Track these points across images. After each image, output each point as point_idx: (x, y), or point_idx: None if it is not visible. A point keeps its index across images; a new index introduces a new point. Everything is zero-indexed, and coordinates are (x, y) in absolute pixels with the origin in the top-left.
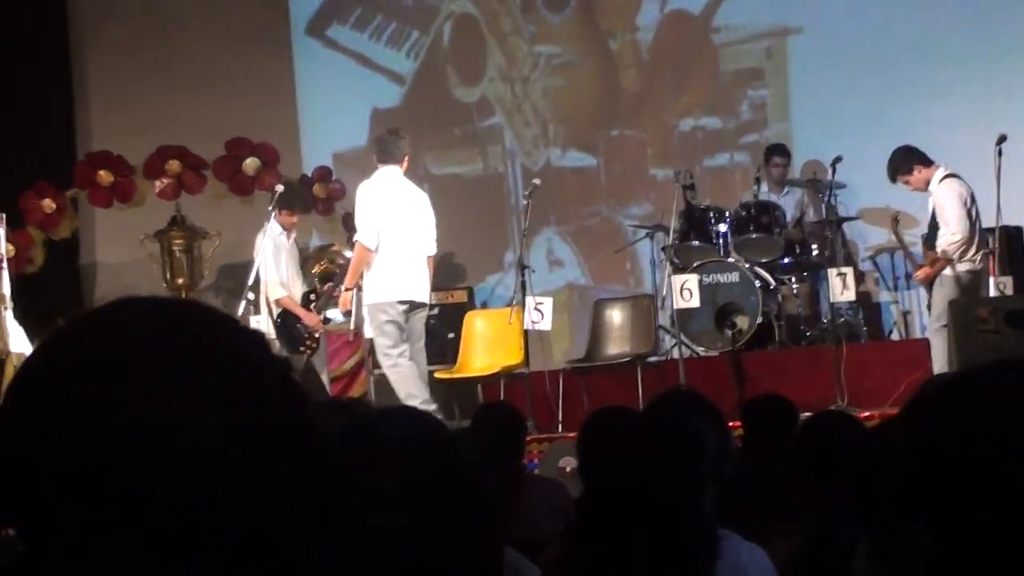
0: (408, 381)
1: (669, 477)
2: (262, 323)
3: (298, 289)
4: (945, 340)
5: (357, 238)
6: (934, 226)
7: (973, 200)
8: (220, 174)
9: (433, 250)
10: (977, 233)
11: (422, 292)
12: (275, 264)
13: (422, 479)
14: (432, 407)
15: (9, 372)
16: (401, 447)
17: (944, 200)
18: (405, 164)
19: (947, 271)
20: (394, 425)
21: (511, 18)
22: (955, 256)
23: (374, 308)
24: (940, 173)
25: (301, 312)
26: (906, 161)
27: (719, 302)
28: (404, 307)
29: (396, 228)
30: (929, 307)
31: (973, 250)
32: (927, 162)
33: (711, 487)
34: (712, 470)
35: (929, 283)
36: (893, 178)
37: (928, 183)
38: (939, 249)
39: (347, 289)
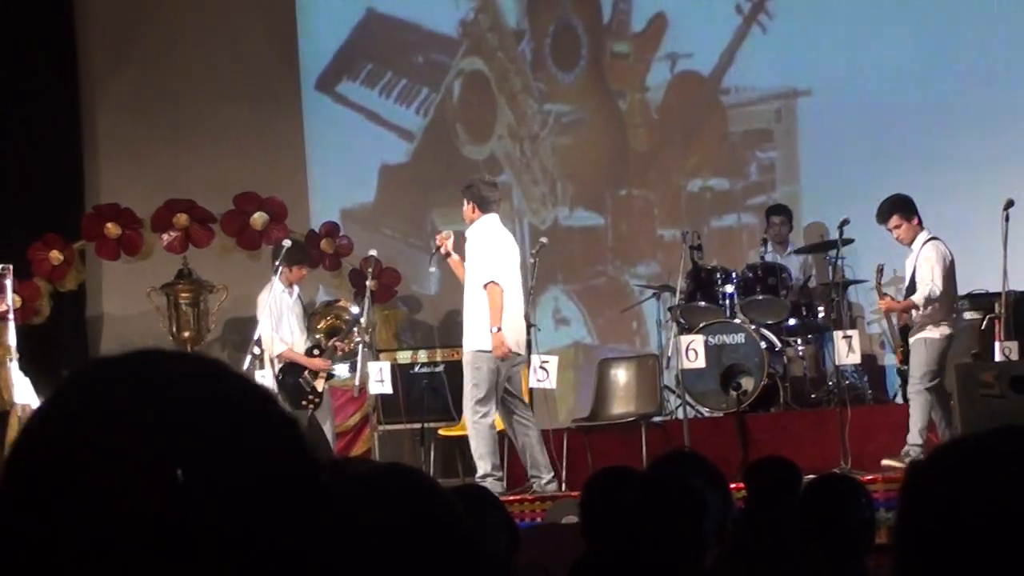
0: (485, 441)
1: (670, 538)
2: (267, 378)
3: (300, 345)
4: (924, 403)
5: (492, 278)
6: (912, 287)
7: (953, 265)
8: (228, 228)
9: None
10: (954, 299)
11: (523, 343)
12: (276, 322)
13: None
14: (499, 474)
15: (14, 424)
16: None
17: (931, 258)
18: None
19: (929, 334)
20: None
21: (521, 76)
22: (922, 308)
23: (479, 355)
24: (926, 235)
25: (305, 360)
26: (907, 209)
27: (724, 363)
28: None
29: (508, 275)
30: (899, 371)
31: (951, 314)
32: (920, 220)
33: (712, 548)
34: (713, 531)
35: (903, 329)
36: (887, 217)
37: (914, 239)
38: (916, 298)
39: (499, 329)
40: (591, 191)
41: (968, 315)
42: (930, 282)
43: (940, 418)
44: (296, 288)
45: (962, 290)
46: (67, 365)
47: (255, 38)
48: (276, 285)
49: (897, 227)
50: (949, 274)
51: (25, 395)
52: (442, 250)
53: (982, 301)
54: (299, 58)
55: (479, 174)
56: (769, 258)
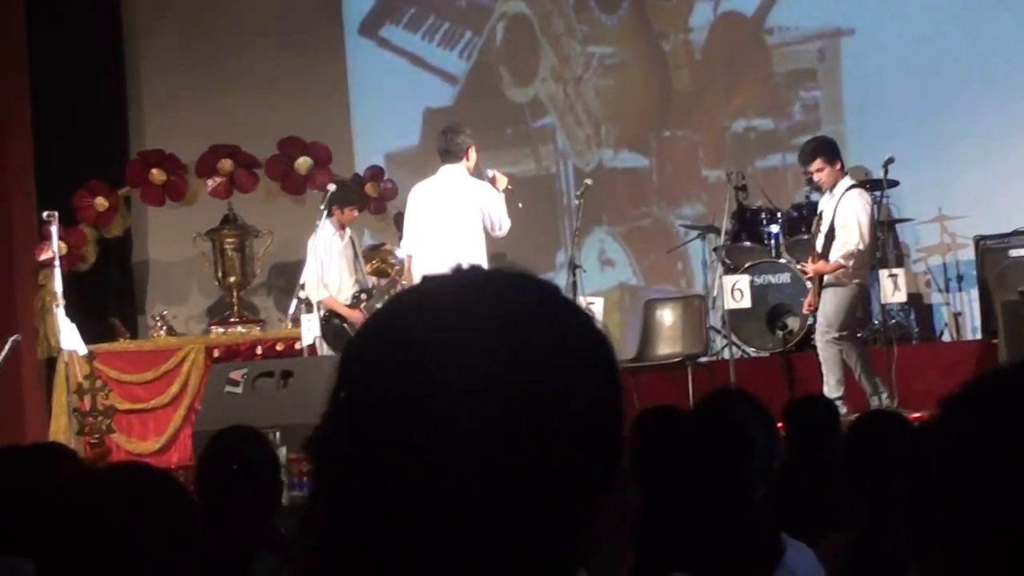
0: None
1: (717, 475)
2: (313, 322)
3: (348, 289)
4: (835, 354)
5: (404, 250)
6: (830, 233)
7: (875, 217)
8: (272, 173)
9: (479, 258)
10: (872, 251)
11: None
12: (323, 265)
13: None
14: None
15: (61, 369)
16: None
17: (855, 208)
18: (470, 159)
19: (845, 283)
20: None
21: (564, 19)
22: (849, 265)
23: None
24: (848, 181)
25: (344, 311)
26: (831, 152)
27: (770, 303)
28: None
29: (436, 233)
30: (808, 315)
31: (866, 266)
32: (843, 166)
33: (759, 485)
34: (760, 469)
35: (818, 283)
36: (810, 160)
37: (835, 184)
38: (838, 257)
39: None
40: (635, 133)
41: (1013, 252)
42: (855, 234)
43: (856, 366)
44: (348, 231)
45: (1009, 227)
46: (113, 311)
47: None
48: (326, 228)
49: (820, 171)
50: (872, 226)
51: (71, 341)
52: (499, 187)
53: None
54: (342, 2)
55: (451, 122)
56: (814, 198)
